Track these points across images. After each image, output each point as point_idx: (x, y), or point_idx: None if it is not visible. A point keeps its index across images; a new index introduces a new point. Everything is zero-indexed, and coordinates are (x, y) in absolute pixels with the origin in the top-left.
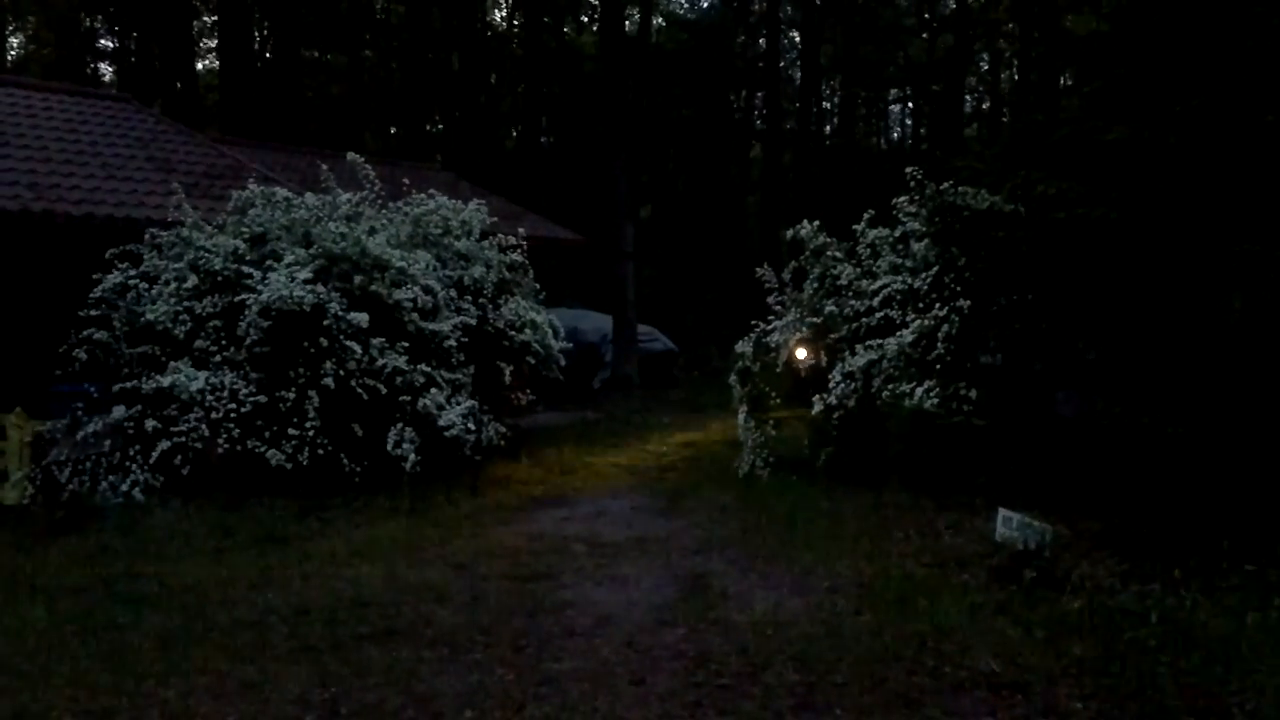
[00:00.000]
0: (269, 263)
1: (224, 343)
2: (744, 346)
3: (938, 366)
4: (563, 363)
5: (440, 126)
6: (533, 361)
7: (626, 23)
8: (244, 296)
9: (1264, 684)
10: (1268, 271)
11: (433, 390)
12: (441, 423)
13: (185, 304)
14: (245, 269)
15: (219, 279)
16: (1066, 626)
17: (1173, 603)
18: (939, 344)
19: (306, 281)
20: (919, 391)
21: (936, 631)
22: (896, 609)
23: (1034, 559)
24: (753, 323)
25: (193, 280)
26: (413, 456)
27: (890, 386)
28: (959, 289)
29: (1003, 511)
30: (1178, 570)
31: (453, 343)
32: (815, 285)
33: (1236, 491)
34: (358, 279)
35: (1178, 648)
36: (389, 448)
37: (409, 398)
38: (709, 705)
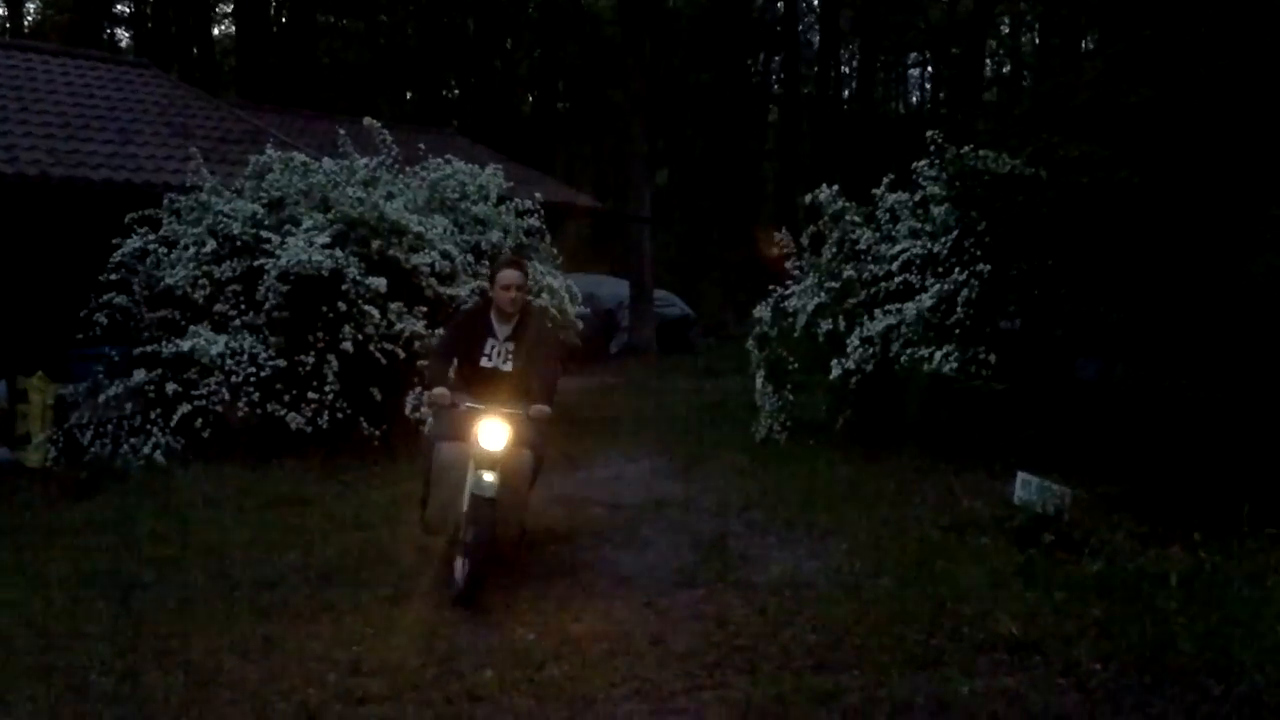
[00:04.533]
0: (287, 227)
1: (243, 307)
2: (761, 312)
3: (957, 331)
4: (580, 328)
5: (456, 91)
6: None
7: None
8: (262, 261)
9: (1273, 637)
10: None
11: None
12: None
13: (204, 268)
14: (264, 234)
15: (238, 243)
16: (1085, 589)
17: (1192, 565)
18: (958, 308)
19: (325, 246)
20: (938, 356)
21: (955, 594)
22: (914, 572)
23: (1053, 522)
24: (770, 288)
25: (211, 245)
26: (431, 420)
27: (909, 351)
28: (979, 253)
29: (1021, 475)
30: (1197, 533)
31: (470, 307)
32: (834, 250)
33: (1258, 455)
34: (375, 244)
35: (1196, 610)
36: (408, 411)
37: (427, 362)
38: (727, 666)
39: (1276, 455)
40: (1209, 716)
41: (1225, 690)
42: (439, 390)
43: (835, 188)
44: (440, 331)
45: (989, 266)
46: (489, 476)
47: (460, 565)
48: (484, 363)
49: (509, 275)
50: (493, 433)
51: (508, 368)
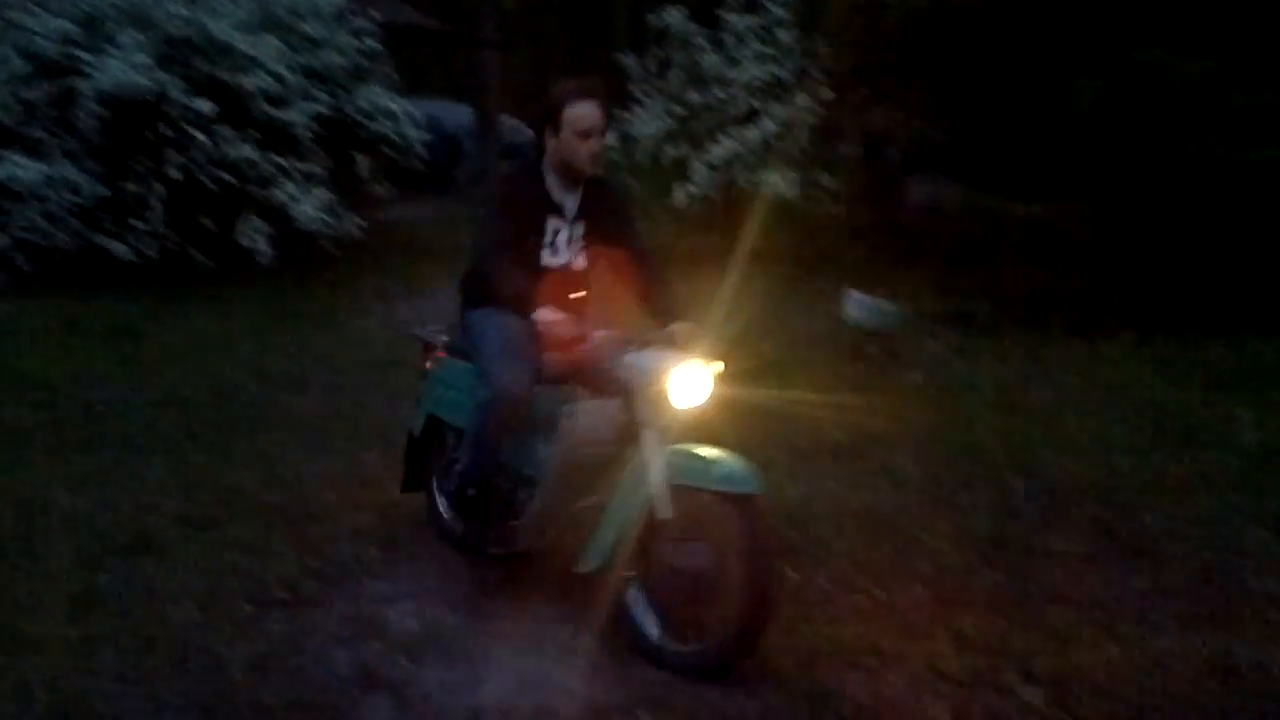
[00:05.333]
0: (105, 47)
1: (60, 132)
2: (607, 139)
3: (799, 155)
4: (423, 154)
5: None
6: (390, 152)
7: None
8: (78, 82)
9: (1072, 437)
10: (1119, 62)
11: (285, 181)
12: (295, 214)
13: (14, 91)
14: (78, 53)
15: (49, 64)
16: (906, 399)
17: (1003, 374)
18: (801, 133)
19: (145, 67)
20: (779, 180)
21: (787, 407)
22: (749, 388)
23: (880, 338)
24: (616, 111)
25: (20, 64)
26: (266, 249)
27: (751, 176)
28: (822, 78)
29: (852, 294)
30: (1010, 342)
31: (305, 132)
32: (680, 75)
33: (1067, 270)
34: (202, 65)
35: (1005, 413)
36: (240, 239)
37: (260, 189)
38: None
39: (1085, 270)
40: (1011, 509)
41: (1026, 484)
42: (549, 313)
43: (684, 11)
44: (485, 214)
45: (831, 92)
46: (726, 455)
47: (643, 609)
48: (547, 258)
49: (586, 112)
50: (692, 380)
51: (581, 264)
